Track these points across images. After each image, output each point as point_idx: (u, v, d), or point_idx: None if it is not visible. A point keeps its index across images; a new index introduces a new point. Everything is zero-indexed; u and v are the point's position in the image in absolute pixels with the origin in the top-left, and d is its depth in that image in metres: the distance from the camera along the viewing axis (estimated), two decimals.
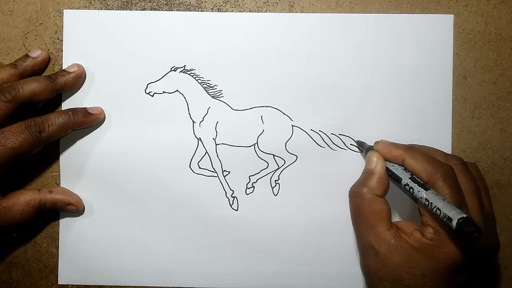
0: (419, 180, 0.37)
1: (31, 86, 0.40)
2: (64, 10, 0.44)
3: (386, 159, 0.40)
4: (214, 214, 0.44)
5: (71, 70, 0.43)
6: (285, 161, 0.44)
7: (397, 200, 0.42)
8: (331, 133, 0.44)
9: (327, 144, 0.44)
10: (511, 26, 0.44)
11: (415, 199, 0.37)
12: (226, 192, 0.44)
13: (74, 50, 0.44)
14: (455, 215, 0.32)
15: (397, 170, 0.38)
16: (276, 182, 0.44)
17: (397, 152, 0.39)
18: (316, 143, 0.44)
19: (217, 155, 0.44)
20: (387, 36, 0.43)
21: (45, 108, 0.43)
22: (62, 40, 0.44)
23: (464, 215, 0.32)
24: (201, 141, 0.44)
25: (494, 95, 0.44)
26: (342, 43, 0.43)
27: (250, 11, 0.44)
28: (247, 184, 0.44)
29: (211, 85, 0.44)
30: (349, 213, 0.42)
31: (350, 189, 0.41)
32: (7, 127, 0.40)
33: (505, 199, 0.44)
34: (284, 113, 0.44)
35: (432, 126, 0.44)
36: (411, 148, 0.39)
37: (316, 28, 0.43)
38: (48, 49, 0.44)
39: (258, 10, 0.44)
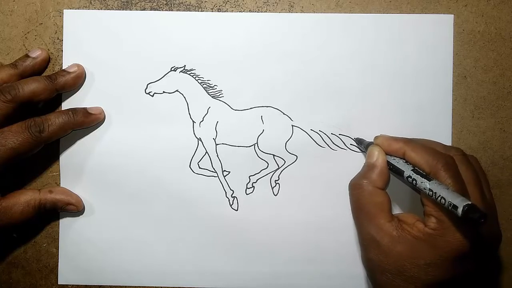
0: (421, 171, 0.37)
1: (31, 86, 0.40)
2: (64, 10, 0.44)
3: (386, 153, 0.40)
4: (214, 214, 0.44)
5: (71, 70, 0.43)
6: (285, 161, 0.44)
7: (396, 193, 0.42)
8: (331, 133, 0.44)
9: (327, 144, 0.44)
10: (511, 26, 0.44)
11: (418, 191, 0.37)
12: (226, 192, 0.44)
13: (74, 50, 0.44)
14: (460, 203, 0.32)
15: (399, 163, 0.39)
16: (276, 182, 0.44)
17: (398, 145, 0.39)
18: (316, 143, 0.44)
19: (217, 155, 0.44)
20: (387, 36, 0.43)
21: (45, 108, 0.43)
22: (62, 40, 0.44)
23: (469, 202, 0.32)
24: (201, 141, 0.44)
25: (494, 95, 0.44)
26: (342, 43, 0.43)
27: (250, 11, 0.44)
28: (247, 184, 0.44)
29: (211, 85, 0.44)
30: (349, 213, 0.42)
31: (350, 181, 0.41)
32: (7, 127, 0.40)
33: (505, 199, 0.44)
34: (284, 113, 0.44)
35: (432, 126, 0.44)
36: (411, 141, 0.40)
37: (316, 28, 0.43)
38: (48, 49, 0.44)
39: (258, 10, 0.44)
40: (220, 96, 0.44)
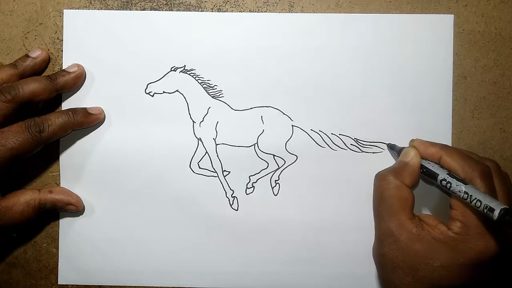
0: (456, 176, 0.37)
1: (31, 86, 0.40)
2: (64, 10, 0.44)
3: (421, 157, 0.40)
4: (214, 214, 0.44)
5: (71, 70, 0.43)
6: (285, 161, 0.44)
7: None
8: (331, 133, 0.44)
9: (327, 144, 0.44)
10: (511, 26, 0.44)
11: (449, 194, 0.37)
12: (226, 192, 0.44)
13: (74, 50, 0.44)
14: (497, 206, 0.32)
15: (433, 167, 0.39)
16: (276, 182, 0.44)
17: (434, 150, 0.39)
18: (316, 143, 0.44)
19: (217, 155, 0.44)
20: (387, 36, 0.43)
21: (45, 108, 0.43)
22: (62, 40, 0.44)
23: (506, 206, 0.32)
24: (201, 141, 0.44)
25: (494, 95, 0.44)
26: (342, 43, 0.43)
27: (250, 11, 0.44)
28: (247, 184, 0.44)
29: (211, 85, 0.44)
30: (350, 213, 0.42)
31: (378, 173, 0.41)
32: (7, 127, 0.40)
33: None
34: (284, 113, 0.44)
35: (432, 126, 0.44)
36: (448, 147, 0.40)
37: (316, 28, 0.43)
38: (48, 49, 0.44)
39: (258, 10, 0.44)
40: (220, 96, 0.44)
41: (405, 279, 0.37)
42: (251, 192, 0.44)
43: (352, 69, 0.43)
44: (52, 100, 0.43)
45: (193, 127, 0.44)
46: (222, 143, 0.44)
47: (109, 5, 0.44)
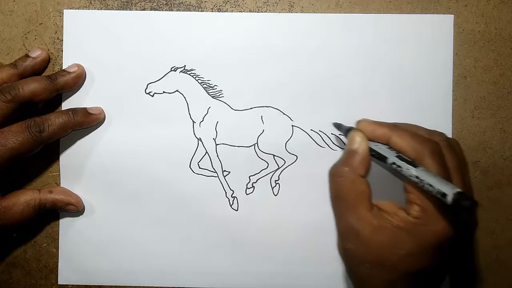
0: (406, 157, 0.36)
1: (31, 86, 0.40)
2: (64, 10, 0.44)
3: (369, 139, 0.39)
4: (214, 214, 0.44)
5: (71, 70, 0.43)
6: (285, 161, 0.44)
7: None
8: (331, 133, 0.44)
9: (327, 144, 0.44)
10: (511, 26, 0.44)
11: (401, 177, 0.37)
12: (226, 192, 0.44)
13: (74, 50, 0.44)
14: (449, 190, 0.32)
15: (382, 149, 0.37)
16: (276, 182, 0.44)
17: (382, 131, 0.38)
18: (316, 143, 0.44)
19: (217, 155, 0.44)
20: (387, 36, 0.43)
21: (45, 108, 0.43)
22: (62, 40, 0.44)
23: (459, 190, 0.31)
24: (201, 141, 0.44)
25: (494, 95, 0.44)
26: (342, 43, 0.43)
27: (250, 11, 0.44)
28: (247, 184, 0.44)
29: (211, 85, 0.44)
30: None
31: (330, 169, 0.39)
32: (7, 127, 0.40)
33: (505, 199, 0.44)
34: (284, 113, 0.44)
35: (432, 126, 0.43)
36: (396, 127, 0.38)
37: (316, 28, 0.43)
38: (48, 49, 0.44)
39: (258, 10, 0.44)
40: (220, 96, 0.44)
41: (374, 272, 0.36)
42: (251, 192, 0.44)
43: (352, 69, 0.43)
44: (52, 100, 0.43)
45: (193, 127, 0.44)
46: (222, 143, 0.44)
47: (109, 5, 0.44)
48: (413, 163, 0.35)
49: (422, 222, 0.35)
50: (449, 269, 0.38)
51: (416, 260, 0.35)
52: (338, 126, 0.42)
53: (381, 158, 0.37)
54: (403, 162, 0.35)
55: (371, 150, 0.38)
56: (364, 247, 0.36)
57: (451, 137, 0.41)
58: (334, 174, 0.39)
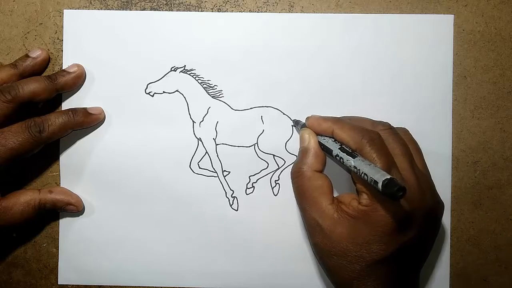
0: (347, 149, 0.37)
1: (31, 86, 0.40)
2: (64, 10, 0.44)
3: (317, 133, 0.40)
4: (214, 214, 0.44)
5: (71, 70, 0.43)
6: (285, 161, 0.44)
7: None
8: None
9: None
10: (511, 26, 0.44)
11: (347, 169, 0.37)
12: (226, 192, 0.44)
13: (74, 50, 0.44)
14: (380, 178, 0.32)
15: (328, 143, 0.39)
16: (276, 182, 0.44)
17: (326, 125, 0.39)
18: None
19: (217, 155, 0.44)
20: (387, 36, 0.43)
21: (45, 108, 0.43)
22: (62, 40, 0.44)
23: (388, 177, 0.32)
24: (201, 141, 0.44)
25: (494, 95, 0.44)
26: (342, 43, 0.43)
27: (250, 11, 0.44)
28: (247, 184, 0.44)
29: (211, 85, 0.44)
30: None
31: (291, 170, 0.41)
32: (7, 127, 0.40)
33: (505, 199, 0.44)
34: (284, 113, 0.44)
35: (432, 126, 0.44)
36: (339, 120, 0.40)
37: (316, 28, 0.43)
38: (48, 49, 0.44)
39: (258, 10, 0.44)
40: (220, 96, 0.44)
41: (341, 263, 0.37)
42: (251, 192, 0.44)
43: (352, 69, 0.43)
44: (52, 100, 0.43)
45: (193, 127, 0.44)
46: (222, 143, 0.44)
47: (109, 5, 0.44)
48: (352, 154, 0.36)
49: (371, 209, 0.36)
50: (418, 254, 0.38)
51: (377, 248, 0.36)
52: (296, 122, 0.43)
53: (328, 151, 0.39)
54: (344, 154, 0.37)
55: (320, 144, 0.40)
56: (328, 240, 0.37)
57: (451, 136, 0.41)
58: (293, 173, 0.41)
